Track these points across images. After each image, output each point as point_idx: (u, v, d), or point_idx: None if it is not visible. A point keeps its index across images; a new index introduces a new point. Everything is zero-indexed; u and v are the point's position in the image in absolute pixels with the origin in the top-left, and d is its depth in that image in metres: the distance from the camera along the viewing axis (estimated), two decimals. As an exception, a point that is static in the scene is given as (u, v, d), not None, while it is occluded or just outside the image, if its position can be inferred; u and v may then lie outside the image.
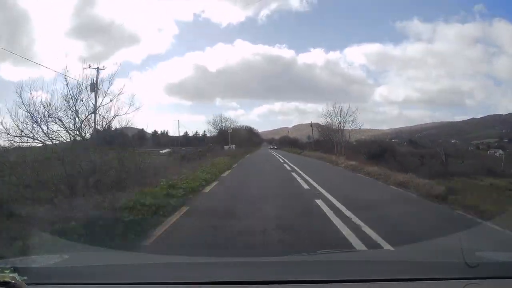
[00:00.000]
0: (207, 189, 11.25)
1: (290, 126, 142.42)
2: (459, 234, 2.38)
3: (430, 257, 2.29)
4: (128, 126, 12.01)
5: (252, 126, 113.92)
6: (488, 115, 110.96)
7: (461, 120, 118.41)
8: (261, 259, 2.64)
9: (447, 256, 2.19)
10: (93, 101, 11.04)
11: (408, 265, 2.04)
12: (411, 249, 3.37)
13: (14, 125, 8.38)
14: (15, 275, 1.60)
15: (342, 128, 34.57)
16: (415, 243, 4.55)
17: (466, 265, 1.74)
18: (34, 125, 8.69)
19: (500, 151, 63.94)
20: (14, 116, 8.46)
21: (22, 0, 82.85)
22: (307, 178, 14.06)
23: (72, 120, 9.56)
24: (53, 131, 9.27)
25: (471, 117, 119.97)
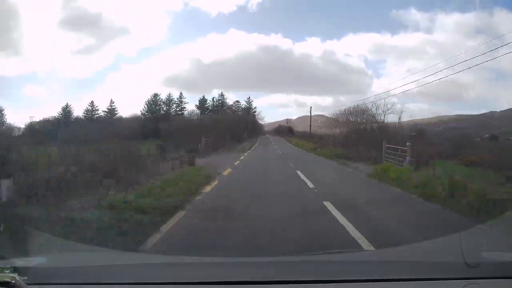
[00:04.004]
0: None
1: (294, 117, 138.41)
2: (459, 234, 2.38)
3: (430, 257, 2.28)
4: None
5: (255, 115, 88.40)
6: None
7: (480, 113, 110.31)
8: (261, 259, 2.64)
9: (447, 256, 2.19)
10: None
11: (408, 265, 2.04)
12: (411, 249, 3.37)
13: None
14: (15, 275, 1.60)
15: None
16: (414, 243, 4.54)
17: (466, 265, 1.74)
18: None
19: None
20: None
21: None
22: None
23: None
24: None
25: (489, 110, 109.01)
